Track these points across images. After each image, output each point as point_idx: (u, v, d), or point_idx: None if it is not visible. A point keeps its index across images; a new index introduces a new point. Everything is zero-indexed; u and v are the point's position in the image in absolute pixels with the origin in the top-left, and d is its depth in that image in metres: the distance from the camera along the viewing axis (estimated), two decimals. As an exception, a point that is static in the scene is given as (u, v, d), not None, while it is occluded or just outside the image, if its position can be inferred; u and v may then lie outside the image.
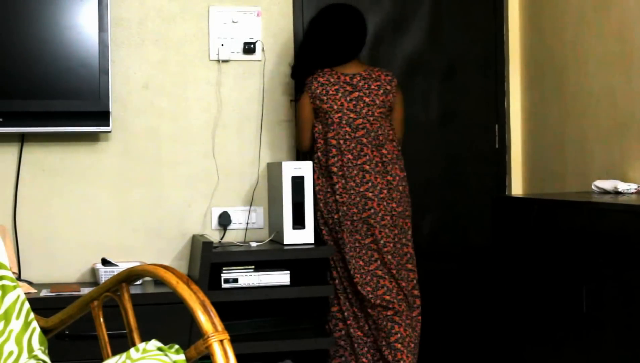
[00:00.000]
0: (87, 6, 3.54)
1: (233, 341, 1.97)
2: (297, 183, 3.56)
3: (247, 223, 3.84)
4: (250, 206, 3.85)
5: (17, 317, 2.34)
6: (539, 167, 3.92)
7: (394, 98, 3.61)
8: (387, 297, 3.44)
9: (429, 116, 4.05)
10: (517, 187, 4.07)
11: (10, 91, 3.51)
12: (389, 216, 3.49)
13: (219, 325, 1.96)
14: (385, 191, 3.50)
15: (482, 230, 3.94)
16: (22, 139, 3.66)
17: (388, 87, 3.60)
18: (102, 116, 3.56)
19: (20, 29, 3.51)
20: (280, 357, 3.72)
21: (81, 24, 3.55)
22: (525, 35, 4.00)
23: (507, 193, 4.05)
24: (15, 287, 2.37)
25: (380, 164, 3.52)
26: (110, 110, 3.58)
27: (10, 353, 2.28)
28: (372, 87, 3.58)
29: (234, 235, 3.83)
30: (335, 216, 3.51)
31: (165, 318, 3.18)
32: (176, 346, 2.08)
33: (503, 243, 3.27)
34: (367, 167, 3.50)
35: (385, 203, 3.49)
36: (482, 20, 4.11)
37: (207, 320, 1.95)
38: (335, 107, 3.54)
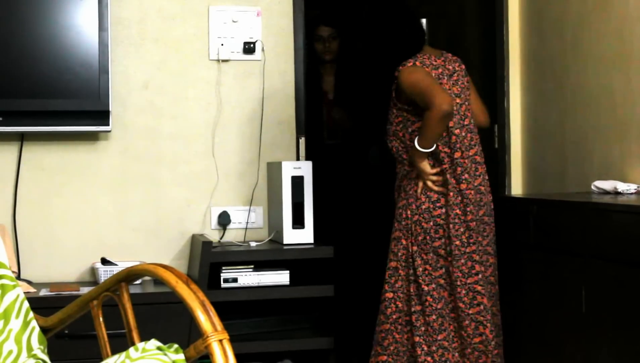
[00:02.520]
0: (87, 6, 3.55)
1: (232, 341, 1.97)
2: (297, 182, 3.57)
3: (247, 222, 3.84)
4: (250, 205, 3.85)
5: (17, 316, 2.34)
6: (538, 167, 3.93)
7: None
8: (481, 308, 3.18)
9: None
10: (516, 187, 4.07)
11: (10, 90, 3.52)
12: (491, 209, 3.25)
13: (219, 325, 1.96)
14: (488, 182, 3.26)
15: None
16: (22, 138, 3.66)
17: (463, 66, 3.34)
18: (102, 116, 3.56)
19: (20, 28, 3.52)
20: (279, 356, 3.72)
21: (81, 23, 3.55)
22: (525, 35, 4.01)
23: (506, 193, 4.05)
24: (14, 286, 2.38)
25: (482, 154, 3.26)
26: (110, 109, 3.58)
27: (10, 352, 2.29)
28: (457, 68, 3.30)
29: (233, 235, 3.83)
30: (464, 217, 3.15)
31: (165, 317, 3.18)
32: (175, 345, 2.08)
33: (502, 242, 3.27)
34: (478, 158, 3.22)
35: (490, 196, 3.25)
36: (482, 20, 4.12)
37: (206, 319, 1.95)
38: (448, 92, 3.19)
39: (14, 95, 3.51)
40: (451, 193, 3.15)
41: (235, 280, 3.48)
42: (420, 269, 3.16)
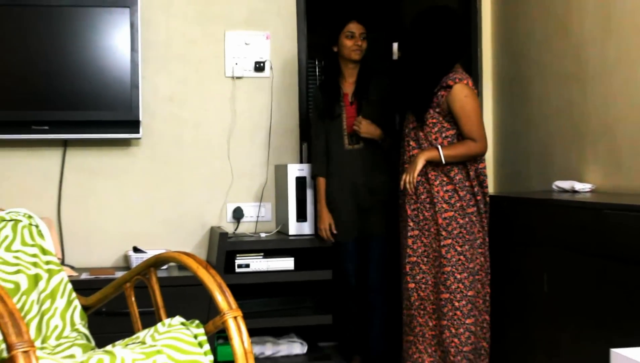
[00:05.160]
0: (121, 30, 3.56)
1: (245, 317, 1.99)
2: (300, 182, 3.57)
3: (257, 216, 3.85)
4: (260, 202, 3.85)
5: (62, 296, 2.36)
6: (507, 169, 3.92)
7: None
8: None
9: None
10: (490, 186, 4.04)
11: (55, 103, 3.53)
12: None
13: (233, 304, 1.98)
14: None
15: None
16: (65, 144, 3.67)
17: None
18: (133, 125, 3.58)
19: (62, 49, 3.53)
20: (285, 331, 3.74)
21: (115, 45, 3.57)
22: (496, 56, 4.00)
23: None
24: (59, 271, 2.39)
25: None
26: (140, 119, 3.59)
27: (56, 327, 2.30)
28: None
29: (246, 227, 3.84)
30: (482, 221, 3.06)
31: (187, 297, 3.19)
32: (197, 321, 2.10)
33: None
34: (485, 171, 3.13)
35: None
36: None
37: (223, 299, 1.97)
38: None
39: (58, 107, 3.52)
40: (468, 196, 3.03)
41: (247, 265, 3.49)
42: (454, 259, 2.99)
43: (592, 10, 3.14)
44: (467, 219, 3.01)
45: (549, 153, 3.50)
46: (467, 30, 3.12)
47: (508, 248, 3.10)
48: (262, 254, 3.53)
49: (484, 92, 4.06)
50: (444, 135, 3.03)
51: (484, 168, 3.08)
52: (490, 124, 4.05)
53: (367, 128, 3.43)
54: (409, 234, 3.10)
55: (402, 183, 3.05)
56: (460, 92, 2.98)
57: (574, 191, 3.08)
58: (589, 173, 3.20)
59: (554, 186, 3.24)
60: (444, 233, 3.00)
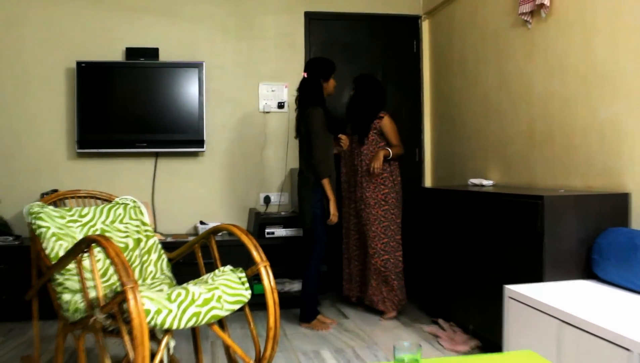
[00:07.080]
0: (192, 81, 3.57)
1: (271, 266, 2.01)
2: (307, 179, 3.59)
3: (279, 201, 3.84)
4: (281, 192, 3.86)
5: (154, 252, 2.38)
6: (439, 171, 3.92)
7: None
8: None
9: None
10: (428, 181, 4.07)
11: (151, 129, 3.54)
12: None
13: (264, 257, 1.99)
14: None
15: (411, 206, 3.96)
16: (157, 155, 3.68)
17: None
18: (200, 143, 3.59)
19: (155, 92, 3.54)
20: (298, 275, 3.72)
21: (189, 91, 3.58)
22: (432, 100, 4.00)
23: (423, 185, 4.07)
24: (153, 236, 2.42)
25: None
26: (205, 139, 3.60)
27: (151, 272, 2.33)
28: None
29: (272, 208, 3.84)
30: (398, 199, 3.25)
31: (234, 253, 3.15)
32: (240, 269, 2.11)
33: (423, 212, 3.27)
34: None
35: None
36: (409, 87, 4.12)
37: (257, 254, 1.99)
38: None
39: (152, 131, 3.54)
40: (395, 184, 3.20)
41: (273, 233, 3.48)
42: (390, 217, 3.18)
43: (492, 70, 3.17)
44: (394, 194, 3.18)
45: (466, 160, 3.51)
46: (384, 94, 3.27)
47: (439, 222, 3.10)
48: (282, 225, 3.53)
49: (425, 122, 4.06)
50: (378, 146, 3.21)
51: (397, 166, 3.25)
52: (429, 141, 4.06)
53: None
54: (365, 205, 3.24)
55: (372, 168, 3.16)
56: (387, 120, 3.18)
57: (482, 185, 3.08)
58: (491, 173, 3.21)
59: (469, 182, 3.23)
60: (383, 202, 3.18)
